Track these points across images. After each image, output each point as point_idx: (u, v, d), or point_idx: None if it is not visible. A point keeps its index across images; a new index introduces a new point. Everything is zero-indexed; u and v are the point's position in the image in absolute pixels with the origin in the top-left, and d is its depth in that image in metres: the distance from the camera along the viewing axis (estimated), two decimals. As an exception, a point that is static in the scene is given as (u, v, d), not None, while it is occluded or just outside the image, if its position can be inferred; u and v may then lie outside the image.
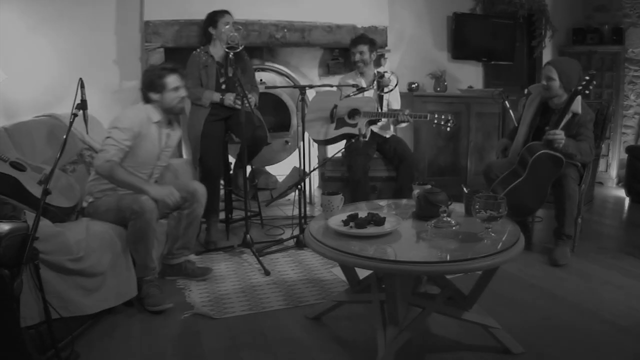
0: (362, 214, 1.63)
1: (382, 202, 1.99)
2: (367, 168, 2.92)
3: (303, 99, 2.67)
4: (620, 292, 2.10)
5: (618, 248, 2.71)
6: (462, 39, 3.82)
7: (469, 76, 3.91)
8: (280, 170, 3.62)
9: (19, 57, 2.88)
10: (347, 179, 2.96)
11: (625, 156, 3.67)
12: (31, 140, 2.25)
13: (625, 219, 3.36)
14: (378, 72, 2.98)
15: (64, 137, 1.66)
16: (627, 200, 3.62)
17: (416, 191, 1.78)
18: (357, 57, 2.97)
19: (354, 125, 2.89)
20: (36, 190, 1.91)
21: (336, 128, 2.91)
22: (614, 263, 2.43)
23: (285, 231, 2.94)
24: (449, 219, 1.58)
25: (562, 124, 2.35)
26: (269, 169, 3.55)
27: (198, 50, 2.76)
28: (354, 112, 2.90)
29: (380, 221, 1.57)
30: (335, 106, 2.91)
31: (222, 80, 2.75)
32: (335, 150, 2.99)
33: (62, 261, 1.65)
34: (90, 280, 1.76)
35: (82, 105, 1.71)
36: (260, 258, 2.45)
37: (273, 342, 1.72)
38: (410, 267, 1.35)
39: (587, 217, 3.13)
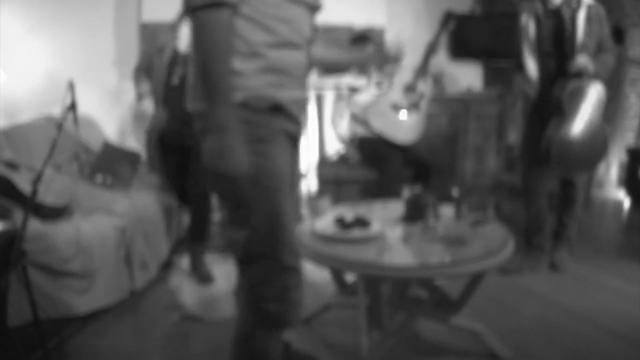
0: (349, 217, 1.62)
1: (371, 205, 1.98)
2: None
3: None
4: (616, 296, 2.07)
5: (616, 251, 2.68)
6: (462, 39, 3.79)
7: (468, 77, 3.89)
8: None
9: (18, 58, 2.92)
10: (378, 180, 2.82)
11: (625, 157, 3.63)
12: (27, 140, 2.28)
13: (625, 222, 3.33)
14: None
15: (55, 137, 1.67)
16: (626, 203, 3.57)
17: (405, 193, 1.77)
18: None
19: (421, 94, 2.75)
20: (29, 190, 1.93)
21: (416, 113, 2.74)
22: (612, 266, 2.40)
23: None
24: (437, 223, 1.57)
25: (580, 39, 2.08)
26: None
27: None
28: (409, 89, 2.73)
29: (366, 224, 1.56)
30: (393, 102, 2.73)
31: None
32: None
33: (50, 262, 1.67)
34: (80, 280, 1.77)
35: (72, 107, 1.71)
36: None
37: (260, 344, 1.72)
38: (395, 272, 1.35)
39: (586, 219, 3.10)
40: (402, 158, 2.82)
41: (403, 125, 2.75)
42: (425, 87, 2.79)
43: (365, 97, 2.80)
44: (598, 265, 2.42)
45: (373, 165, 2.87)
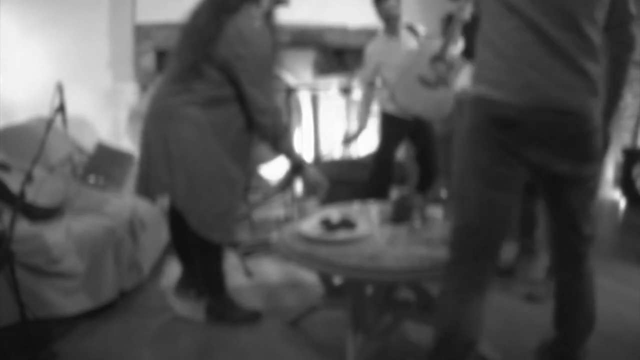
0: (335, 218, 1.62)
1: (359, 206, 1.97)
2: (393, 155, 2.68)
3: (287, 102, 2.68)
4: (609, 298, 2.04)
5: (611, 252, 2.66)
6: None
7: (463, 77, 3.88)
8: (275, 172, 3.63)
9: (14, 60, 2.94)
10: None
11: (621, 158, 3.62)
12: (19, 141, 2.29)
13: (621, 222, 3.31)
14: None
15: (43, 138, 1.67)
16: (622, 203, 3.56)
17: (393, 194, 1.77)
18: (391, 12, 2.56)
19: (451, 66, 2.47)
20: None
21: (445, 87, 2.48)
22: (606, 267, 2.38)
23: (275, 233, 2.94)
24: (423, 224, 1.57)
25: None
26: (263, 170, 3.56)
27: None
28: (436, 59, 2.46)
29: (352, 226, 1.56)
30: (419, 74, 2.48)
31: None
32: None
33: (39, 263, 1.67)
34: (69, 281, 1.78)
35: (61, 109, 1.72)
36: (247, 260, 2.46)
37: (248, 346, 1.72)
38: (379, 275, 1.34)
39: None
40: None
41: (430, 100, 2.52)
42: (455, 56, 2.49)
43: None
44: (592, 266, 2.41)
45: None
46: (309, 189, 1.76)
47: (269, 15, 1.74)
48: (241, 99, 1.66)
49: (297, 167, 1.72)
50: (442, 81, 2.46)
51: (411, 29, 2.69)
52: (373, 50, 2.66)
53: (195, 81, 1.63)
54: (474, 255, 1.16)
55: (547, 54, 1.08)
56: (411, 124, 2.67)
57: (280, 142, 1.69)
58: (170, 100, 1.68)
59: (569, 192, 1.19)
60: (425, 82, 2.46)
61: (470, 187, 1.15)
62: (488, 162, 1.13)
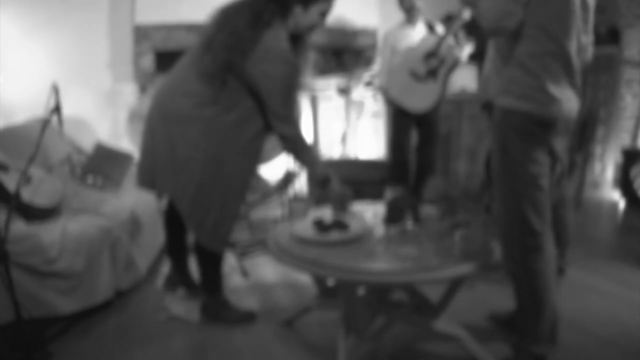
0: (328, 218, 1.62)
1: (354, 206, 1.96)
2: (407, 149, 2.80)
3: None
4: (605, 300, 2.04)
5: (609, 253, 2.65)
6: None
7: (461, 78, 3.87)
8: (273, 172, 3.63)
9: (14, 61, 2.96)
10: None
11: (621, 158, 3.60)
12: (18, 142, 2.30)
13: (620, 223, 3.29)
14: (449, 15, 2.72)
15: (38, 139, 1.69)
16: (622, 204, 3.54)
17: (387, 195, 1.77)
18: (407, 3, 2.75)
19: (442, 61, 2.58)
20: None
21: (433, 81, 2.60)
22: (604, 269, 2.37)
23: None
24: (417, 226, 1.56)
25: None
26: (262, 170, 3.56)
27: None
28: (430, 55, 2.59)
29: (345, 227, 1.56)
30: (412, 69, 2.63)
31: None
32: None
33: (35, 263, 1.68)
34: (65, 281, 1.79)
35: (56, 110, 1.73)
36: (244, 259, 2.46)
37: (242, 346, 1.73)
38: (369, 276, 1.34)
39: (580, 221, 3.08)
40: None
41: (418, 92, 2.65)
42: (447, 52, 2.60)
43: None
44: (588, 267, 2.39)
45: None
46: (335, 204, 1.70)
47: (300, 40, 1.73)
48: (259, 106, 1.66)
49: (323, 181, 1.69)
50: (431, 75, 2.59)
51: (430, 27, 2.79)
52: (388, 32, 2.83)
53: (215, 86, 1.60)
54: (548, 231, 1.46)
55: (565, 75, 1.35)
56: (417, 114, 2.75)
57: (304, 154, 1.68)
58: (184, 100, 1.63)
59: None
60: (415, 76, 2.61)
61: (530, 175, 1.39)
62: (539, 153, 1.38)
